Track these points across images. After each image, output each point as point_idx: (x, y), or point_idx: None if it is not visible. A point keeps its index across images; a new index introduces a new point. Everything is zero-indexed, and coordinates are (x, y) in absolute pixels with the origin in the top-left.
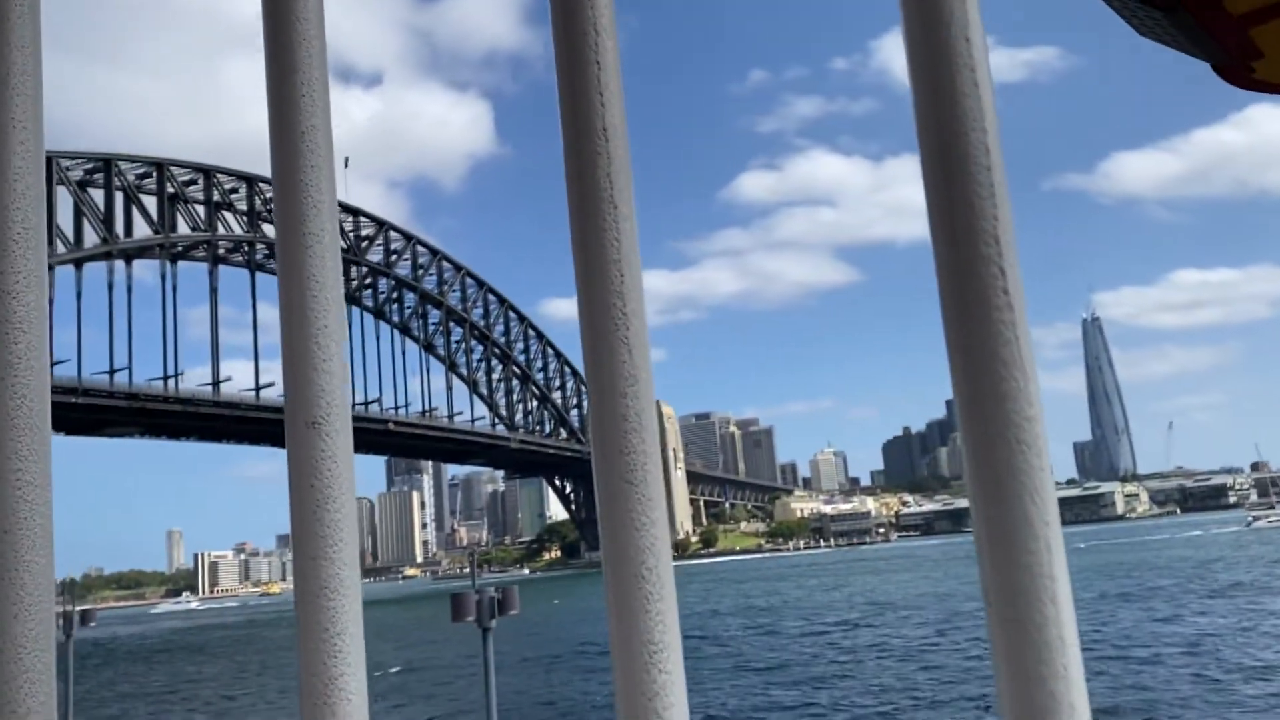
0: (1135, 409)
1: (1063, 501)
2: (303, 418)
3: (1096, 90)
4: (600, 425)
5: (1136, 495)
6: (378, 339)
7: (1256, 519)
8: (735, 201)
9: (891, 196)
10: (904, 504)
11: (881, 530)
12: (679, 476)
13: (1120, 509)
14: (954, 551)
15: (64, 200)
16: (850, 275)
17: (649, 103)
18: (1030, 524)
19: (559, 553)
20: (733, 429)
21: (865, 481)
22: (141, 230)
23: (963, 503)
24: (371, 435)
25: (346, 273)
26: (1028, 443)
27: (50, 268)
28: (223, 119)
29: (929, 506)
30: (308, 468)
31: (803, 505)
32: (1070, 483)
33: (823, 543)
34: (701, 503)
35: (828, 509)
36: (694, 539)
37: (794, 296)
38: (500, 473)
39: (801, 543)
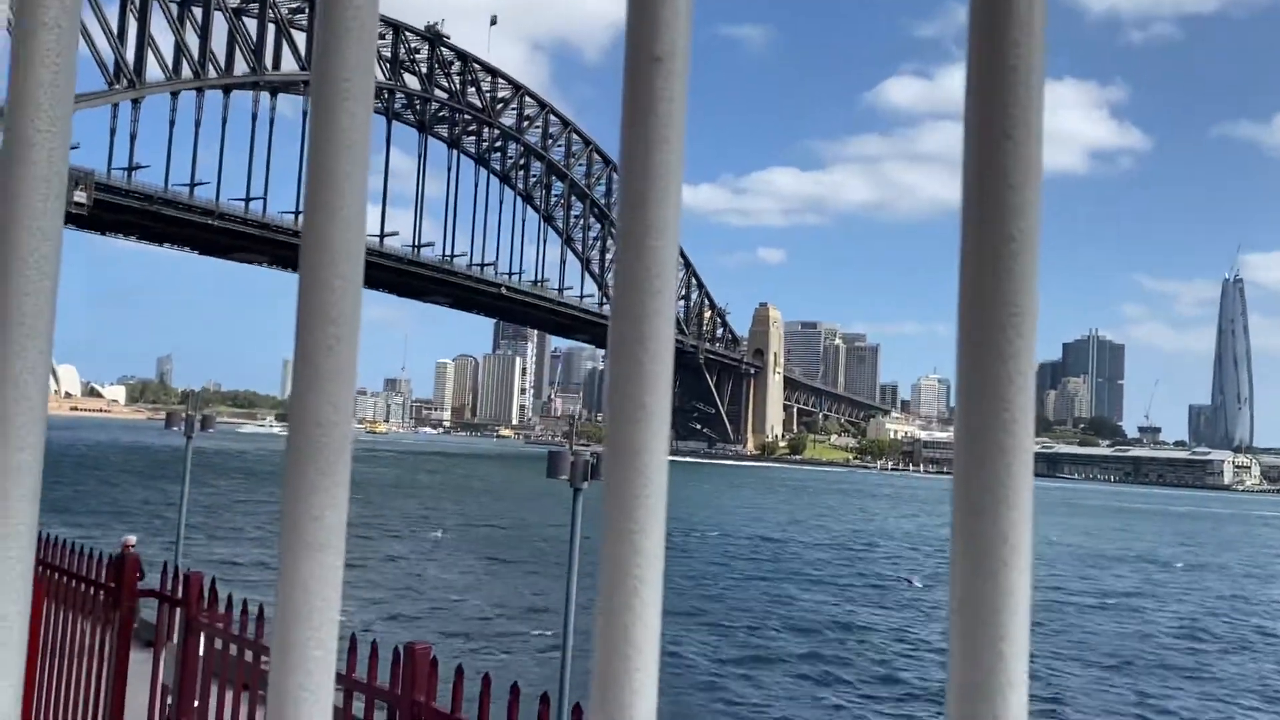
0: (1264, 379)
1: (1166, 463)
2: (646, 52)
3: None
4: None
5: (1247, 468)
6: (500, 203)
7: None
8: (878, 106)
9: (1049, 122)
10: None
11: None
12: (776, 381)
13: (1228, 479)
14: (1052, 497)
15: (219, 26)
16: None
17: None
18: None
19: None
20: (838, 341)
21: None
22: (288, 65)
23: (1062, 448)
24: (483, 296)
25: (478, 133)
26: None
27: (200, 91)
28: None
29: None
30: (643, 105)
31: (898, 427)
32: (1178, 444)
33: (911, 467)
34: (795, 410)
35: (923, 434)
36: (782, 444)
37: (926, 213)
38: (601, 351)
39: (889, 464)
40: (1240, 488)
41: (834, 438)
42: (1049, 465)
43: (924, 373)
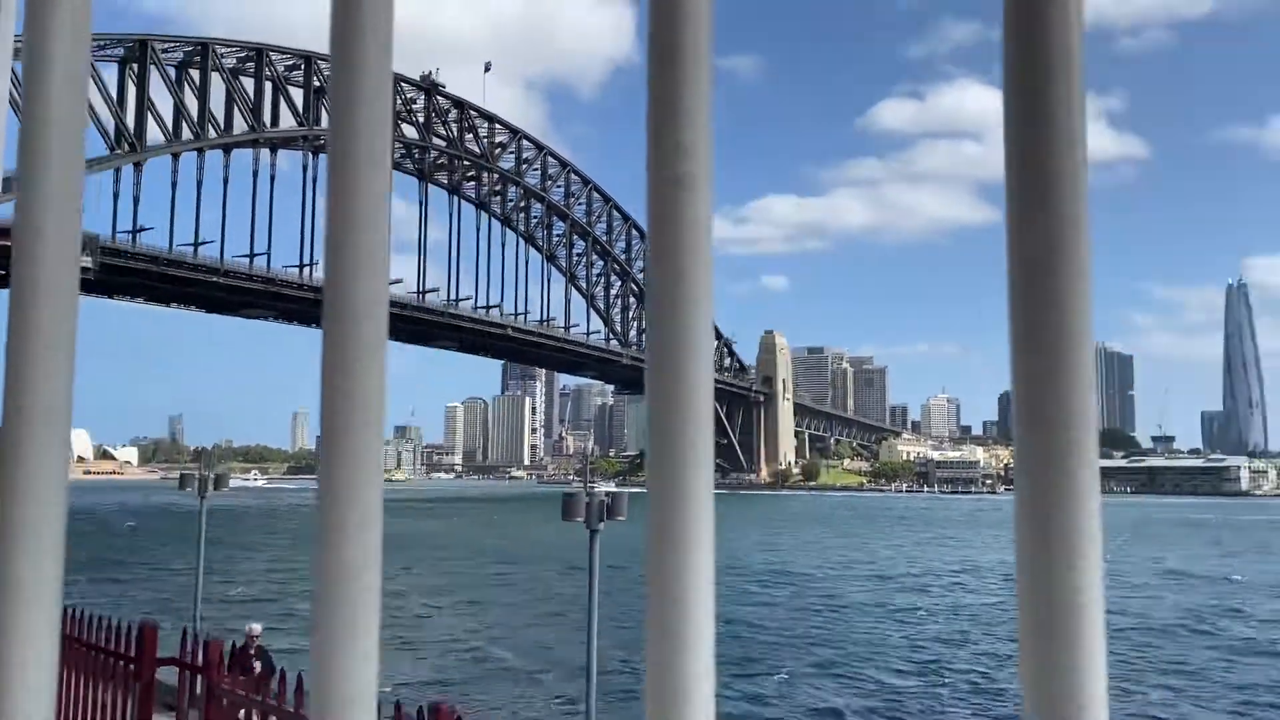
0: (1274, 383)
1: (1182, 472)
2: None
3: None
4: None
5: (1264, 473)
6: (503, 245)
7: None
8: (872, 129)
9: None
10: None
11: (989, 481)
12: (786, 408)
13: (1245, 485)
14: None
15: (217, 87)
16: (990, 215)
17: (790, 17)
18: None
19: None
20: (845, 365)
21: (977, 431)
22: (286, 121)
23: None
24: (490, 338)
25: (478, 179)
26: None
27: (200, 151)
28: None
29: None
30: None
31: (910, 449)
32: (1193, 453)
33: (925, 488)
34: (806, 436)
35: (935, 455)
36: (795, 471)
37: (927, 233)
38: (610, 387)
39: (904, 486)
40: (1259, 493)
41: (846, 462)
42: None
43: (933, 392)
